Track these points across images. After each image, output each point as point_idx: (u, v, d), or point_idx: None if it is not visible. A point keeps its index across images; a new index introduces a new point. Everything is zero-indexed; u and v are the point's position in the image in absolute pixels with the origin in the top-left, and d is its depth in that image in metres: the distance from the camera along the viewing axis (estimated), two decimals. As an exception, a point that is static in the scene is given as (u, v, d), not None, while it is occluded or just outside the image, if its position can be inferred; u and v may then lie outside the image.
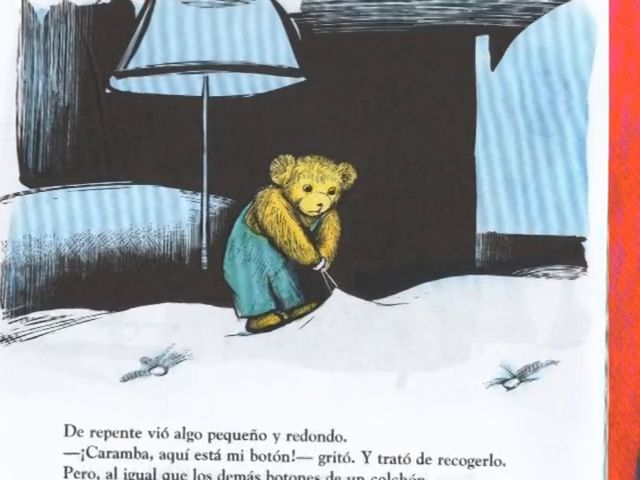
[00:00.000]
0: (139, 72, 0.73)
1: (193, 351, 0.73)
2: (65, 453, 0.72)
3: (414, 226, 0.73)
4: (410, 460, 0.72)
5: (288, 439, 0.72)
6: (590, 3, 0.73)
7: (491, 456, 0.72)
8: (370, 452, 0.72)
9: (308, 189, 0.74)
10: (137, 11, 0.74)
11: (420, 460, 0.72)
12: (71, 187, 0.73)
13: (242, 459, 0.72)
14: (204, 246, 0.74)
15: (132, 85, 0.74)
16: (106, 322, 0.72)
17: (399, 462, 0.72)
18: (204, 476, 0.72)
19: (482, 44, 0.74)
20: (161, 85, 0.74)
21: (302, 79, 0.74)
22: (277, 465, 0.72)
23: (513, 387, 0.72)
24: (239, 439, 0.72)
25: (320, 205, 0.74)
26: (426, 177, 0.73)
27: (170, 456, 0.72)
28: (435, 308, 0.73)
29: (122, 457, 0.72)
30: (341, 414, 0.72)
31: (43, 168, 0.73)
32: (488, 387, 0.73)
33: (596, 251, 0.73)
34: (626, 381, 0.73)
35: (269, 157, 0.73)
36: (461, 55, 0.73)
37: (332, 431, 0.72)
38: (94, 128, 0.73)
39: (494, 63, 0.74)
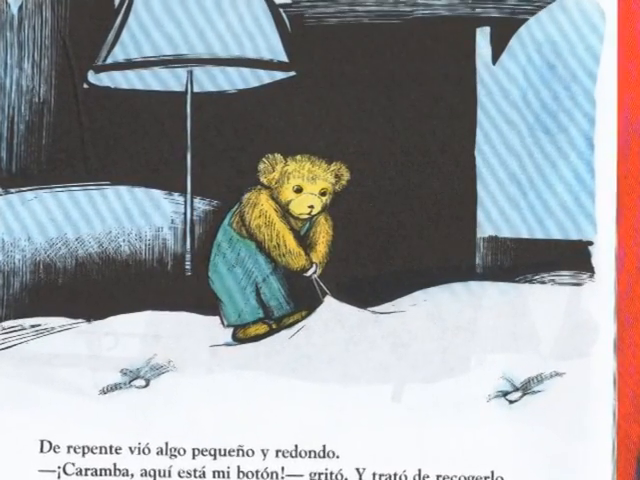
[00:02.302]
0: (119, 66, 0.73)
1: (176, 362, 0.72)
2: (40, 470, 0.72)
3: (411, 229, 0.73)
4: (406, 477, 0.72)
5: (277, 455, 0.72)
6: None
7: (492, 473, 0.72)
8: (364, 469, 0.72)
9: (298, 190, 0.73)
10: (117, 1, 0.73)
11: (417, 477, 0.72)
12: (47, 188, 0.73)
13: (228, 476, 0.72)
14: (188, 251, 0.73)
15: (112, 80, 0.74)
16: (84, 331, 0.72)
17: (395, 480, 0.73)
18: (188, 494, 0.74)
19: (483, 36, 0.73)
20: (143, 80, 0.74)
21: (292, 73, 0.74)
22: (265, 483, 0.73)
23: (516, 400, 0.72)
24: (225, 455, 0.72)
25: (311, 207, 0.73)
26: (423, 177, 0.73)
27: (152, 473, 0.72)
28: (433, 316, 0.72)
29: (101, 474, 0.72)
30: (333, 429, 0.72)
31: (17, 168, 0.73)
32: (489, 400, 0.72)
33: (604, 256, 0.73)
34: (626, 381, 0.73)
35: (257, 156, 0.73)
36: (461, 48, 0.73)
37: (324, 447, 0.72)
38: (71, 125, 0.73)
39: (496, 56, 0.74)
